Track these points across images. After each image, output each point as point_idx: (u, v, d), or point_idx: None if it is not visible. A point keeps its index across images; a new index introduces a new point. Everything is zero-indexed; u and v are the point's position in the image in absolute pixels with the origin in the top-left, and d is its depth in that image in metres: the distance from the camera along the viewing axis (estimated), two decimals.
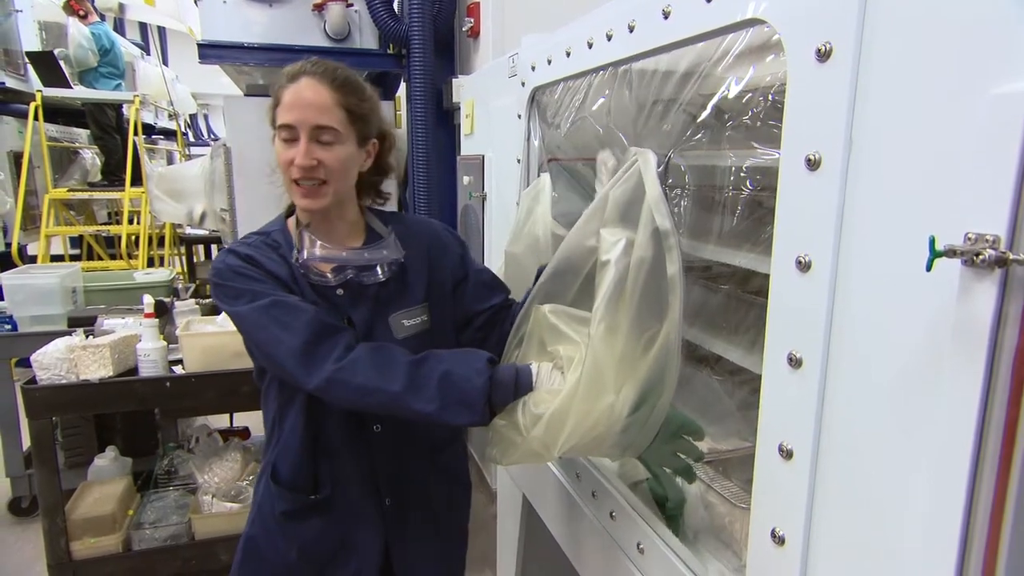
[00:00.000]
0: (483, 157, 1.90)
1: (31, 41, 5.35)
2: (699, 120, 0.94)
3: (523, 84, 1.52)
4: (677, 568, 0.97)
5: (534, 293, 1.01)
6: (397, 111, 3.61)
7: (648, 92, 1.03)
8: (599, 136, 1.20)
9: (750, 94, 0.85)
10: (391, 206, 3.39)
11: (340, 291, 1.17)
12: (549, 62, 1.36)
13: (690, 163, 0.92)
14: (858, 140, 0.60)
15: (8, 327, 2.72)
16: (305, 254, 1.13)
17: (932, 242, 0.46)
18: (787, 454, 0.71)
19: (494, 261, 1.84)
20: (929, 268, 0.47)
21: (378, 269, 1.18)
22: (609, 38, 1.08)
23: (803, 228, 0.67)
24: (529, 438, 0.87)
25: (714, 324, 1.13)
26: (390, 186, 1.35)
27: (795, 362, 0.69)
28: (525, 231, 1.38)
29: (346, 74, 1.13)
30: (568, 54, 1.26)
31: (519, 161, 1.57)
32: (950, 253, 0.46)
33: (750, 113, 0.85)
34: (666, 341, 0.82)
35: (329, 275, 1.15)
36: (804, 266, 0.67)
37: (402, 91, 3.94)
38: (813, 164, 0.64)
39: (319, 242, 1.15)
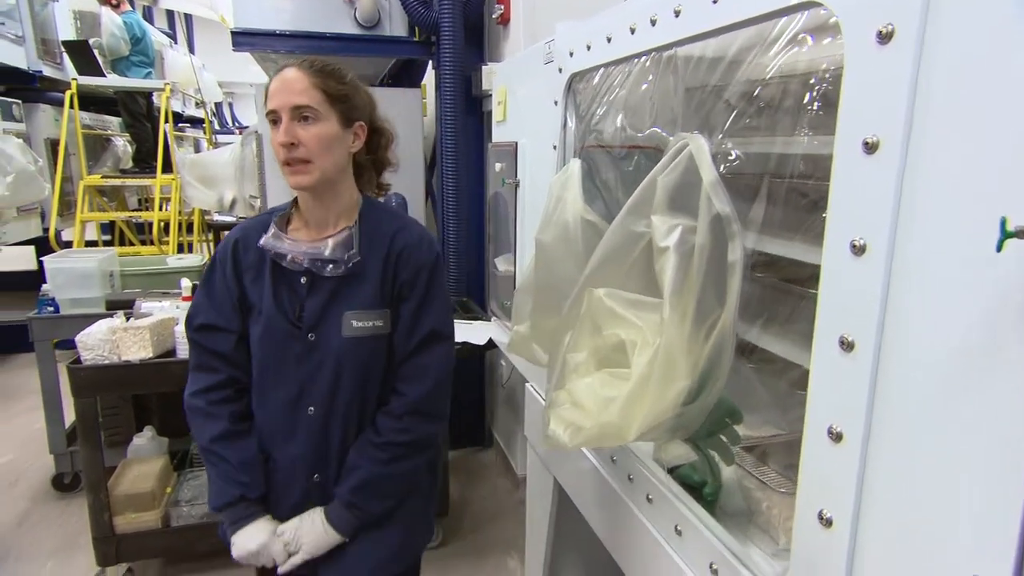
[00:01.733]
0: (516, 144, 1.90)
1: (66, 30, 5.45)
2: (745, 106, 0.93)
3: (560, 70, 1.52)
4: (717, 550, 0.98)
5: (584, 280, 1.02)
6: (423, 99, 3.63)
7: (693, 78, 1.02)
8: (641, 123, 1.20)
9: (799, 79, 0.85)
10: (418, 193, 3.42)
11: (303, 279, 1.28)
12: (588, 48, 1.36)
13: (740, 150, 0.92)
14: (919, 122, 0.60)
15: (51, 309, 2.80)
16: (265, 241, 1.26)
17: (1003, 223, 0.46)
18: (836, 437, 0.71)
19: (527, 249, 1.85)
20: (999, 249, 0.47)
21: (326, 261, 1.26)
22: (653, 23, 1.08)
23: (858, 212, 0.67)
24: (601, 423, 0.88)
25: (748, 312, 1.13)
26: (408, 182, 1.45)
27: (847, 345, 0.69)
28: (555, 218, 1.39)
29: (324, 62, 1.25)
30: (609, 40, 1.26)
31: (555, 148, 1.57)
32: (1021, 234, 0.46)
33: (798, 99, 0.85)
34: (723, 327, 0.83)
35: (293, 262, 1.26)
36: (858, 250, 0.67)
37: (427, 79, 3.96)
38: (871, 147, 0.64)
39: (279, 232, 1.28)
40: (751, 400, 1.21)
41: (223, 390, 1.33)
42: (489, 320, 2.48)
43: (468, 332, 2.59)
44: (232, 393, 1.34)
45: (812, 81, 0.78)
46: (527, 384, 1.90)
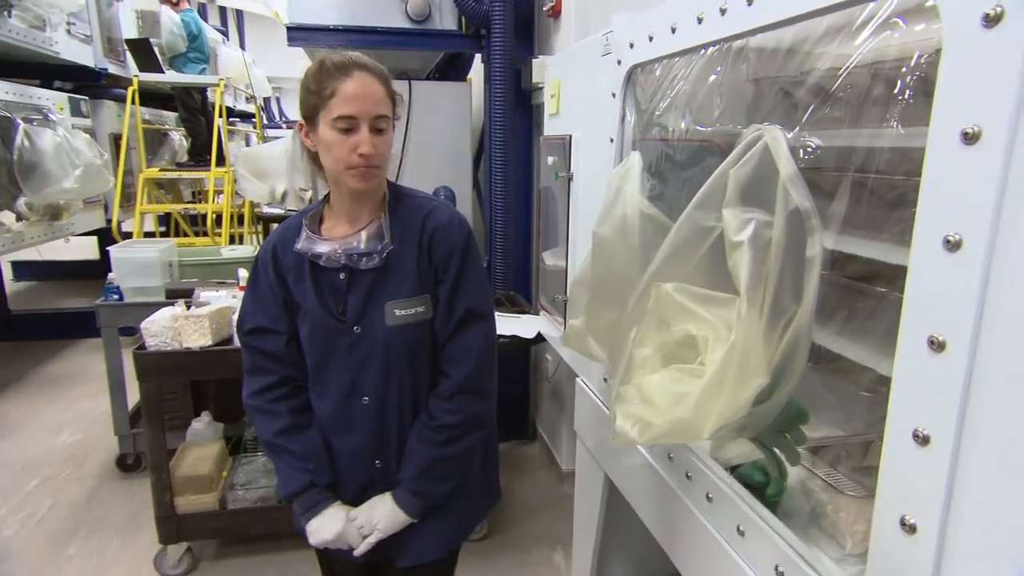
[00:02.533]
0: (569, 137, 1.89)
1: (129, 29, 5.66)
2: (824, 98, 0.90)
3: (619, 62, 1.49)
4: (783, 551, 0.96)
5: (651, 274, 1.00)
6: (470, 94, 3.64)
7: (766, 69, 1.00)
8: (707, 116, 1.18)
9: (887, 67, 0.82)
10: (465, 187, 3.43)
11: (342, 275, 1.29)
12: (650, 39, 1.34)
13: (815, 143, 0.89)
14: None
15: (116, 297, 2.92)
16: (299, 245, 1.28)
17: None
18: (923, 440, 0.69)
19: (579, 243, 1.84)
20: None
21: (364, 254, 1.27)
22: (723, 12, 1.05)
23: (953, 206, 0.64)
24: (674, 419, 0.87)
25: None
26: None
27: (937, 345, 0.66)
28: (613, 211, 1.37)
29: (382, 67, 1.25)
30: (673, 30, 1.23)
31: (612, 141, 1.55)
32: None
33: (884, 89, 0.81)
34: (799, 324, 0.81)
35: (330, 259, 1.28)
36: (953, 245, 0.64)
37: (473, 72, 3.96)
38: (970, 138, 0.61)
39: (312, 236, 1.30)
40: (812, 401, 1.18)
41: (279, 389, 1.37)
42: (537, 314, 2.48)
43: (516, 326, 2.59)
44: (289, 391, 1.37)
45: (903, 70, 0.75)
46: (577, 379, 1.89)
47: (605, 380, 1.67)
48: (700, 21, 1.13)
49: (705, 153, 1.28)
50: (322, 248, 1.28)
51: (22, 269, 7.25)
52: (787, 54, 0.94)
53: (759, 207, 0.89)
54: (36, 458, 3.40)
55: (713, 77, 1.13)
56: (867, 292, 0.97)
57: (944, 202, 0.65)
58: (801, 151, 0.87)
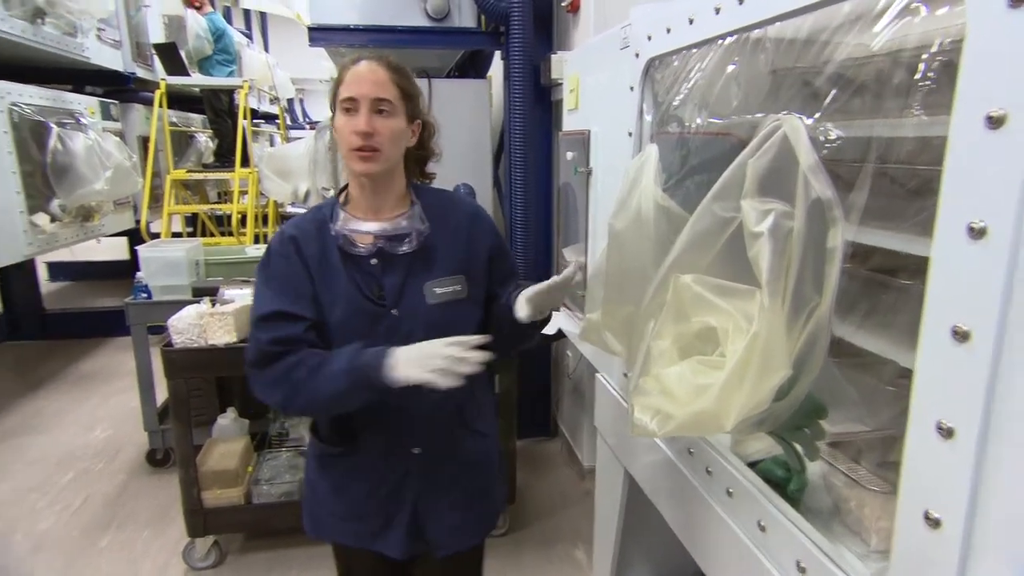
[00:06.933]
0: (588, 132, 1.88)
1: (156, 33, 5.77)
2: (843, 87, 0.89)
3: (637, 55, 1.49)
4: (805, 547, 0.95)
5: (669, 266, 1.00)
6: (489, 91, 3.64)
7: (785, 59, 0.98)
8: (724, 107, 1.16)
9: (908, 55, 0.80)
10: (485, 183, 3.45)
11: (374, 260, 1.31)
12: (668, 31, 1.33)
13: (836, 133, 0.87)
14: None
15: (144, 295, 2.98)
16: (339, 225, 1.30)
17: None
18: (947, 432, 0.67)
19: (599, 238, 1.83)
20: None
21: (404, 237, 1.31)
22: (741, 1, 1.04)
23: (978, 192, 0.62)
24: (696, 411, 0.87)
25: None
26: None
27: (961, 335, 0.65)
28: (629, 204, 1.36)
29: (397, 61, 1.31)
30: (691, 22, 1.22)
31: (630, 135, 1.55)
32: None
33: (905, 76, 0.80)
34: (820, 316, 0.80)
35: (362, 246, 1.30)
36: (977, 233, 0.62)
37: (493, 69, 3.97)
38: (995, 122, 0.59)
39: (351, 217, 1.32)
40: (831, 395, 1.16)
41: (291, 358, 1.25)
42: (557, 310, 2.48)
43: None
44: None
45: (925, 56, 0.73)
46: (597, 374, 1.89)
47: (625, 375, 1.66)
48: (718, 12, 1.12)
49: (722, 145, 1.26)
50: (368, 227, 1.30)
51: (57, 269, 7.45)
52: (805, 44, 0.93)
53: (778, 198, 0.88)
54: (70, 452, 3.50)
55: (731, 68, 1.11)
56: (888, 284, 0.95)
57: (968, 188, 0.64)
58: (822, 141, 0.86)
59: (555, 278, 1.26)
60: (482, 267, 1.41)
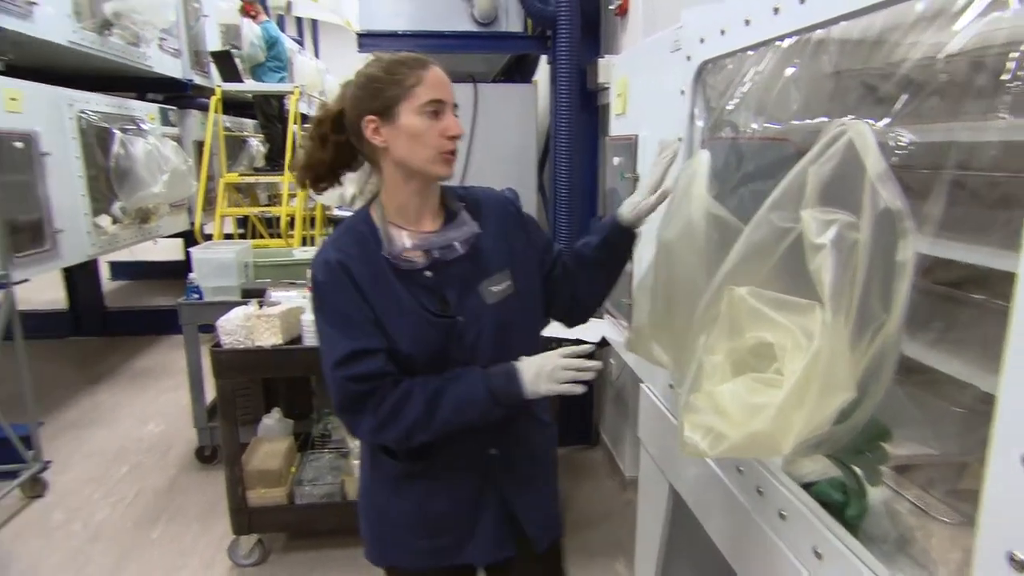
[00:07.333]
0: (636, 137, 1.84)
1: (214, 41, 5.97)
2: (915, 90, 0.83)
3: (688, 58, 1.44)
4: None
5: (723, 278, 0.96)
6: (535, 95, 3.62)
7: (849, 60, 0.93)
8: (781, 112, 1.11)
9: (986, 55, 0.74)
10: (529, 188, 3.43)
11: (428, 273, 1.26)
12: (722, 33, 1.28)
13: (908, 138, 0.82)
14: None
15: (196, 296, 3.07)
16: (397, 246, 1.24)
17: None
18: None
19: (645, 248, 1.79)
20: None
21: (456, 244, 1.27)
22: (802, 1, 0.99)
23: None
24: (751, 432, 0.83)
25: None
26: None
27: None
28: (678, 212, 1.32)
29: None
30: (747, 23, 1.17)
31: (680, 140, 1.50)
32: None
33: (988, 77, 0.74)
34: (887, 334, 0.75)
35: (417, 260, 1.25)
36: None
37: (539, 74, 3.95)
38: None
39: (405, 232, 1.26)
40: (894, 415, 1.09)
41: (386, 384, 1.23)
42: (601, 318, 2.44)
43: (581, 329, 2.55)
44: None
45: (1015, 55, 0.67)
46: (642, 385, 1.84)
47: (671, 386, 1.61)
48: (776, 12, 1.07)
49: (779, 151, 1.21)
50: (422, 243, 1.25)
51: (118, 269, 7.79)
52: (875, 44, 0.87)
53: (842, 207, 0.83)
54: (125, 446, 3.63)
55: (790, 71, 1.06)
56: (964, 300, 0.89)
57: None
58: (892, 147, 0.81)
59: (655, 167, 1.31)
60: (525, 250, 1.36)
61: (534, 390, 1.21)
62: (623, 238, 1.39)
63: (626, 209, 1.36)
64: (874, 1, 0.81)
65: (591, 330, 2.51)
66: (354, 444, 2.64)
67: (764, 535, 1.15)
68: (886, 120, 0.87)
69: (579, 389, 1.22)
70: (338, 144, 1.28)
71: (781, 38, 1.08)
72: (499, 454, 1.34)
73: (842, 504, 1.03)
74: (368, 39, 3.21)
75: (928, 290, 0.91)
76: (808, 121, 1.04)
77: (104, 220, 4.11)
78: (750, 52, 1.20)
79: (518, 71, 4.12)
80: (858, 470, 0.99)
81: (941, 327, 0.90)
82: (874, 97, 0.96)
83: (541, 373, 1.21)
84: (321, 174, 1.31)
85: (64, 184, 3.63)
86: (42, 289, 5.96)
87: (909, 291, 0.77)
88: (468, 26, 3.22)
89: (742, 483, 1.25)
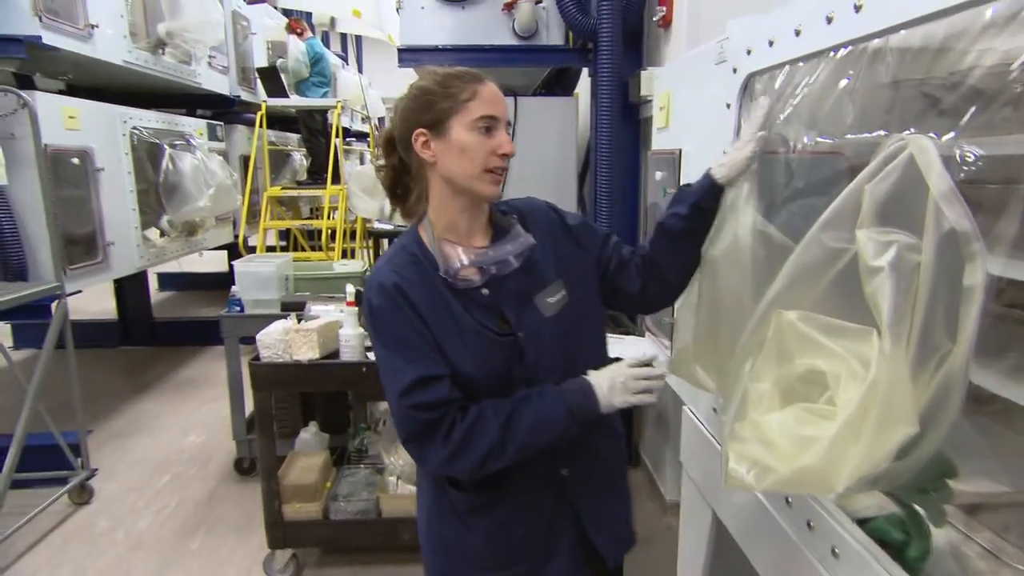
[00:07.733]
0: (679, 151, 1.79)
1: (260, 58, 6.14)
2: (985, 102, 0.77)
3: (734, 71, 1.39)
4: None
5: (770, 301, 0.90)
6: (576, 108, 3.60)
7: (909, 71, 0.87)
8: (834, 125, 1.06)
9: None
10: (570, 202, 3.39)
11: (485, 291, 1.22)
12: (771, 44, 1.23)
13: (977, 153, 0.76)
14: None
15: (237, 308, 3.12)
16: (454, 264, 1.21)
17: None
18: None
19: None
20: None
21: (511, 258, 1.23)
22: (858, 9, 0.94)
23: None
24: (800, 467, 0.77)
25: None
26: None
27: None
28: (724, 229, 1.27)
29: None
30: (797, 33, 1.12)
31: (725, 154, 1.45)
32: None
33: None
34: (953, 365, 0.69)
35: (474, 278, 1.21)
36: None
37: (580, 87, 3.92)
38: None
39: (460, 248, 1.23)
40: (960, 448, 1.01)
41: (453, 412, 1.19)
42: (642, 335, 2.38)
43: (621, 347, 2.49)
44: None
45: None
46: (684, 407, 1.78)
47: (714, 410, 1.55)
48: (830, 21, 1.02)
49: (831, 166, 1.15)
50: (479, 260, 1.21)
51: (165, 280, 8.05)
52: (938, 52, 0.82)
53: (901, 228, 0.77)
54: (168, 456, 3.70)
55: (844, 83, 1.01)
56: None
57: None
58: (959, 163, 0.75)
59: (750, 119, 1.24)
60: (576, 255, 1.32)
61: (608, 403, 1.18)
62: (716, 202, 1.27)
63: (719, 168, 1.25)
64: (939, 7, 0.76)
65: (632, 348, 2.46)
66: (390, 460, 2.63)
67: (816, 573, 1.08)
68: (951, 134, 0.81)
69: (652, 399, 1.20)
70: (394, 165, 1.28)
71: (835, 48, 1.03)
72: (570, 474, 1.29)
73: (903, 544, 0.96)
74: (409, 53, 3.24)
75: (1003, 314, 0.84)
76: (864, 135, 0.98)
77: (153, 233, 4.23)
78: (800, 63, 1.15)
79: (559, 84, 4.10)
80: (920, 509, 0.92)
81: (1017, 355, 0.82)
82: (936, 109, 0.90)
83: (615, 385, 1.18)
84: (400, 193, 1.31)
85: (116, 198, 3.75)
86: (93, 299, 6.19)
87: (979, 318, 0.71)
88: (509, 40, 3.22)
89: (791, 515, 1.18)
